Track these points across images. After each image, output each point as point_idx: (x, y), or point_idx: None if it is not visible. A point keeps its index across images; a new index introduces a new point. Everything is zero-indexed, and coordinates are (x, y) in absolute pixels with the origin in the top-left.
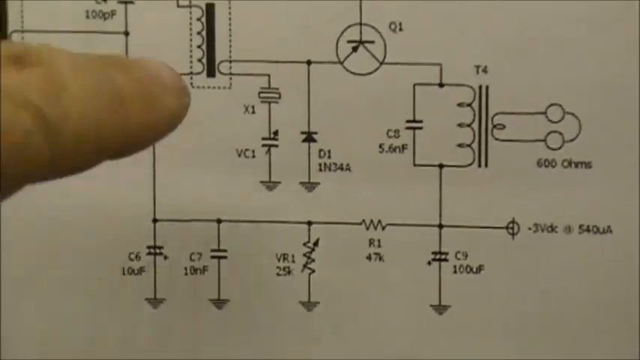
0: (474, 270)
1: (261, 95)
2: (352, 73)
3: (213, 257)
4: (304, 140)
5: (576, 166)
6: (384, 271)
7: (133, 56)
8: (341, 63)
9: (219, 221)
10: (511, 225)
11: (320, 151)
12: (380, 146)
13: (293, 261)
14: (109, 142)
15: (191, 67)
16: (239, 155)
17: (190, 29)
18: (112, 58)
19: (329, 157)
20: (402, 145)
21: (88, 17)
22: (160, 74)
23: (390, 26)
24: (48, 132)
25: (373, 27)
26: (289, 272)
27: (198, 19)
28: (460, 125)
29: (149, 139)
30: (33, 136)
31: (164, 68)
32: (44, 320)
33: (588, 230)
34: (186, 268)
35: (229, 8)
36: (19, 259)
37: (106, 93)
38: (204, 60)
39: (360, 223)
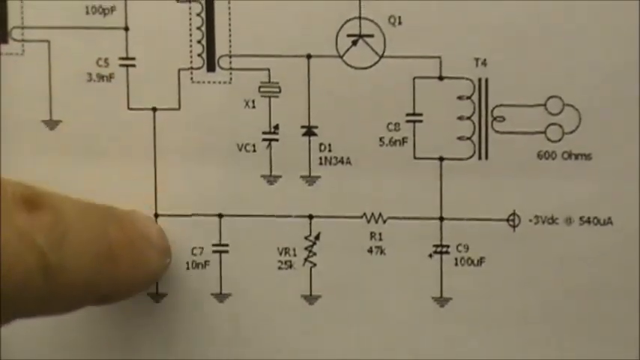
0: (475, 262)
1: (262, 90)
2: (352, 67)
3: (214, 252)
4: (304, 134)
5: (576, 157)
6: (386, 264)
7: (133, 51)
8: (341, 57)
9: (220, 216)
10: (512, 217)
11: (320, 144)
12: (380, 139)
13: (294, 255)
14: (97, 290)
15: (191, 62)
16: (240, 149)
17: (190, 24)
18: (108, 211)
19: (329, 150)
20: (403, 139)
21: (87, 13)
22: (149, 233)
23: (389, 20)
24: (46, 275)
25: (372, 21)
26: (291, 266)
27: (198, 14)
28: (460, 118)
29: (131, 292)
30: (33, 277)
31: (152, 226)
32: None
33: (589, 222)
34: (187, 263)
35: (229, 3)
36: None
37: (101, 246)
38: (204, 55)
39: (361, 217)
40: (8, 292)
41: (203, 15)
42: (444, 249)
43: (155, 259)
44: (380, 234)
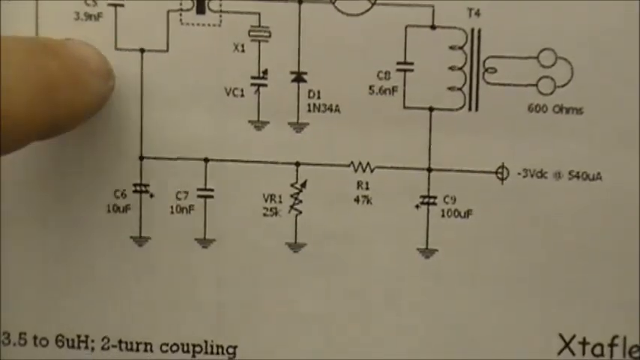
0: (462, 214)
1: (251, 34)
2: (344, 13)
3: (199, 196)
4: (294, 80)
5: (567, 111)
6: (372, 214)
7: None
8: (332, 3)
9: (206, 160)
10: (500, 170)
11: (309, 91)
12: (370, 88)
13: (280, 202)
14: (40, 125)
15: (180, 4)
16: (228, 94)
17: None
18: (42, 43)
19: (318, 97)
20: (393, 87)
21: None
22: (87, 58)
23: None
24: None
25: None
26: (276, 213)
27: None
28: (451, 68)
29: (77, 120)
30: None
31: (91, 52)
32: (28, 256)
33: (578, 176)
34: (172, 207)
35: None
36: (3, 195)
37: (38, 79)
38: None
39: (349, 165)
40: None
41: None
42: (431, 200)
43: (97, 83)
44: (367, 183)
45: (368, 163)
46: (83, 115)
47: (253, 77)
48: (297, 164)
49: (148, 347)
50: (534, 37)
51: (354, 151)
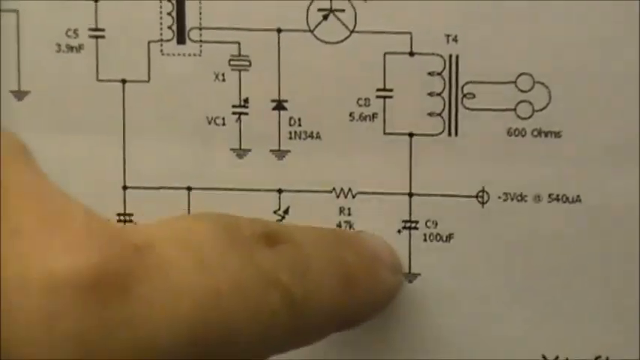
0: (444, 238)
1: (232, 63)
2: (322, 41)
3: None
4: (274, 108)
5: (546, 135)
6: None
7: (103, 22)
8: (311, 31)
9: (189, 189)
10: (481, 194)
11: (290, 119)
12: (350, 115)
13: None
14: (339, 318)
15: (161, 35)
16: (209, 123)
17: None
18: (339, 234)
19: (299, 125)
20: (373, 114)
21: None
22: (380, 251)
23: None
24: (292, 311)
25: None
26: None
27: None
28: (430, 94)
29: (370, 314)
30: (279, 315)
31: (383, 245)
32: None
33: (557, 199)
34: None
35: None
36: None
37: (340, 272)
38: (174, 27)
39: (331, 191)
40: (255, 335)
41: None
42: (413, 225)
43: (389, 277)
44: (349, 209)
45: (350, 189)
46: (377, 308)
47: (234, 106)
48: (280, 191)
49: None
50: (512, 62)
51: (335, 177)
